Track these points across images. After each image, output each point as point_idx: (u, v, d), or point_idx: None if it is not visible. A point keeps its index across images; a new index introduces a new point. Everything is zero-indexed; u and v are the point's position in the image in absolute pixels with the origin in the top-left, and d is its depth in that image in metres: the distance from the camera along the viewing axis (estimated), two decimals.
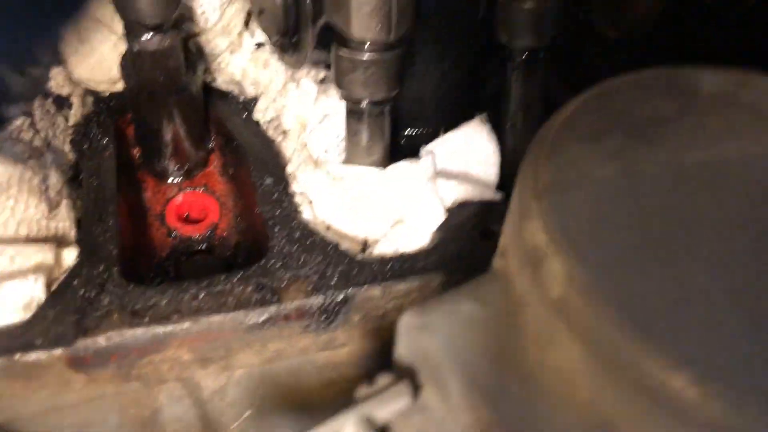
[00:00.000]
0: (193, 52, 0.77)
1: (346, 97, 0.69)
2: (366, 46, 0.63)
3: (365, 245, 0.70)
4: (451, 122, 0.76)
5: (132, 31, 0.67)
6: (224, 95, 0.84)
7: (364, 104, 0.68)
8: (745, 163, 0.42)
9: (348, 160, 0.73)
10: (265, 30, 0.79)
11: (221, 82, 0.84)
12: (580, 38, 0.84)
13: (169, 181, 0.81)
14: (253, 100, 0.82)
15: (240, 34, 0.82)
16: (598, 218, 0.39)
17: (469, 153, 0.74)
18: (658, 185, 0.40)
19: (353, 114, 0.70)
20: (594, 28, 0.82)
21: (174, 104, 0.75)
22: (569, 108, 0.44)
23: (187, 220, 0.81)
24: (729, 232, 0.38)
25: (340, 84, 0.67)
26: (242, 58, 0.82)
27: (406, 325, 0.39)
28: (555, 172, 0.41)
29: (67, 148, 0.74)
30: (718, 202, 0.40)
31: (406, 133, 0.80)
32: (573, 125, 0.43)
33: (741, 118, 0.45)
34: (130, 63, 0.70)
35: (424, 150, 0.74)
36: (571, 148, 0.42)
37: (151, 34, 0.67)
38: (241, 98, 0.83)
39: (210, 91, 0.83)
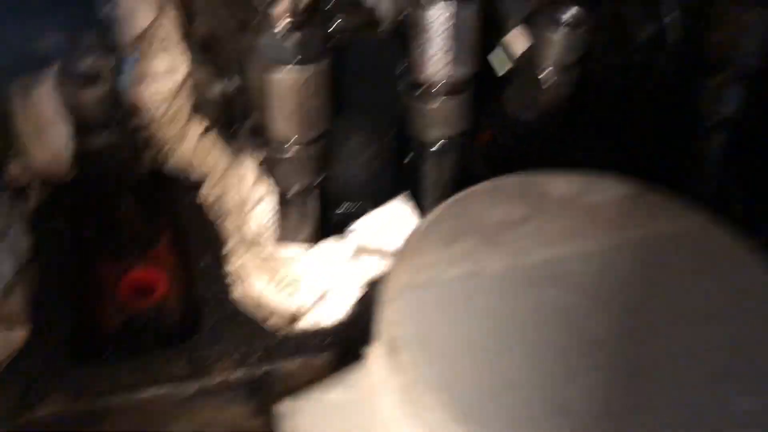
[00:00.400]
0: (141, 142, 0.85)
1: (275, 185, 0.76)
2: (288, 144, 0.71)
3: (294, 319, 0.77)
4: (378, 200, 0.84)
5: (80, 130, 0.74)
6: (174, 178, 0.91)
7: (291, 192, 0.76)
8: (577, 262, 0.49)
9: (280, 240, 0.80)
10: (206, 121, 0.87)
11: (171, 165, 0.92)
12: (497, 121, 0.92)
13: (122, 259, 0.88)
14: (200, 182, 0.90)
15: (186, 122, 0.90)
16: (443, 316, 0.46)
17: (392, 229, 0.82)
18: (497, 285, 0.47)
19: (282, 199, 0.77)
20: (509, 111, 0.90)
21: (124, 191, 0.82)
22: (431, 214, 0.52)
23: (138, 296, 0.87)
24: (546, 325, 0.45)
25: (268, 174, 0.75)
26: (189, 145, 0.90)
27: (282, 411, 0.46)
28: (411, 274, 0.48)
29: (24, 233, 0.81)
30: (545, 299, 0.47)
31: (339, 210, 0.88)
32: (432, 230, 0.51)
33: (580, 220, 0.52)
34: (79, 158, 0.77)
35: (350, 228, 0.81)
36: (428, 251, 0.49)
37: (98, 132, 0.74)
38: (189, 180, 0.91)
39: (160, 174, 0.91)
